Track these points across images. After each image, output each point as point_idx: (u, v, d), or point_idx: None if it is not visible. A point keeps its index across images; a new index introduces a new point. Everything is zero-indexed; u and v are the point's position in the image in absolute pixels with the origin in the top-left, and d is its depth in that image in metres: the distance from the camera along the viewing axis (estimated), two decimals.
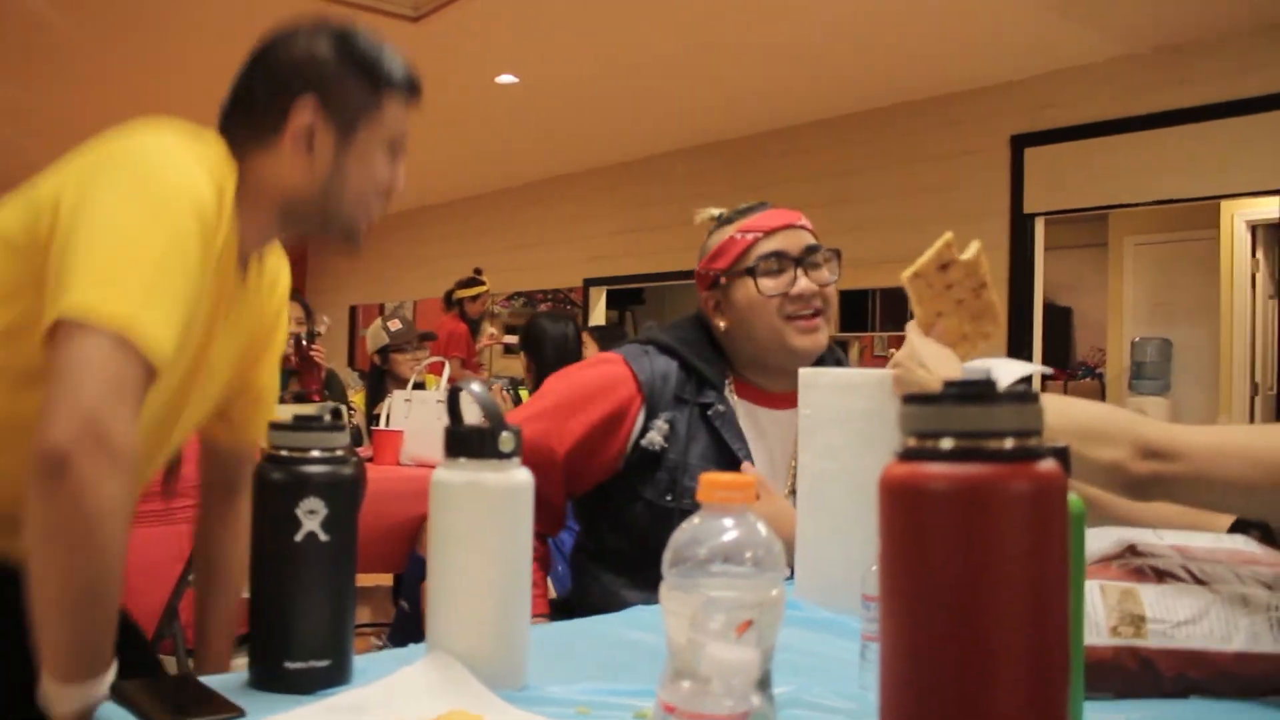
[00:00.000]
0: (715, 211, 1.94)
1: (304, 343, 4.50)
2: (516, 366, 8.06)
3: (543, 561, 1.86)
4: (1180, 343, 7.87)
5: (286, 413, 1.11)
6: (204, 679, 1.00)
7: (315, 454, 1.00)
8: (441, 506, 1.01)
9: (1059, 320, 8.97)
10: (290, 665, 0.99)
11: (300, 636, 0.99)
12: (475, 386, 1.02)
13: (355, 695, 0.95)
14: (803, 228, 1.88)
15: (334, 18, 1.40)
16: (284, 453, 1.00)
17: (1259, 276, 7.49)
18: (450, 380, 4.97)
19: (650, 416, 1.81)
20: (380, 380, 5.06)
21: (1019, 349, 6.25)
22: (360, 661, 1.06)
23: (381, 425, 3.83)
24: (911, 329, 1.42)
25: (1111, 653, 1.01)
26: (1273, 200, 5.74)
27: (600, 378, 1.85)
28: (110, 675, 1.06)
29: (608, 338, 5.02)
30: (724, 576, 0.82)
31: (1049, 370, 1.48)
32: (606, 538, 1.88)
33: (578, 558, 1.95)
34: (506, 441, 1.00)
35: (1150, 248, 8.15)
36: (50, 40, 5.47)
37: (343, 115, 1.35)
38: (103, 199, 1.17)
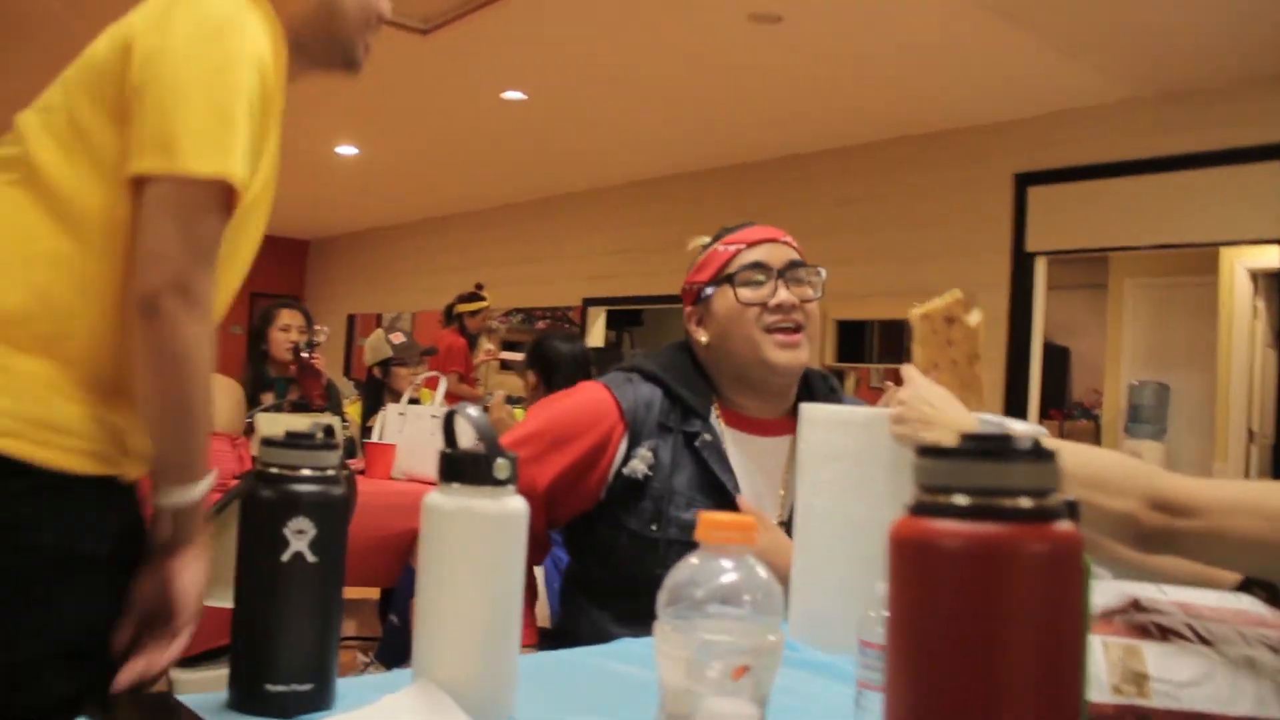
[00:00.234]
0: (706, 240, 1.93)
1: (302, 352, 4.47)
2: (513, 383, 8.04)
3: (529, 590, 1.84)
4: (1177, 387, 7.86)
5: (285, 424, 1.10)
6: (183, 698, 0.98)
7: (306, 473, 0.98)
8: (433, 532, 0.99)
9: (1056, 360, 8.96)
10: (271, 688, 0.96)
11: (283, 658, 0.97)
12: (472, 411, 1.00)
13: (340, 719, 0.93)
14: (787, 244, 1.86)
15: None
16: (274, 470, 0.98)
17: (1258, 324, 7.48)
18: (447, 396, 4.95)
19: (633, 445, 1.77)
20: (378, 393, 5.04)
21: (1016, 388, 6.23)
22: (344, 686, 1.04)
23: (375, 438, 3.80)
24: (912, 370, 1.39)
25: (1113, 711, 0.99)
26: (1274, 249, 5.74)
27: (584, 407, 1.81)
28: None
29: (603, 359, 4.99)
30: (721, 619, 0.80)
31: (1045, 432, 1.46)
32: (593, 569, 1.85)
33: (567, 588, 1.91)
34: (502, 468, 0.98)
35: (1150, 291, 8.15)
36: (54, 30, 5.46)
37: None
38: (181, 53, 1.33)
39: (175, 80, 1.32)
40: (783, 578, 1.32)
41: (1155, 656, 1.02)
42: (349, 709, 0.98)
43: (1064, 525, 0.55)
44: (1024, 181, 6.31)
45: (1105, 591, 1.10)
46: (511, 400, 5.61)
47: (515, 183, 9.36)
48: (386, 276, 11.95)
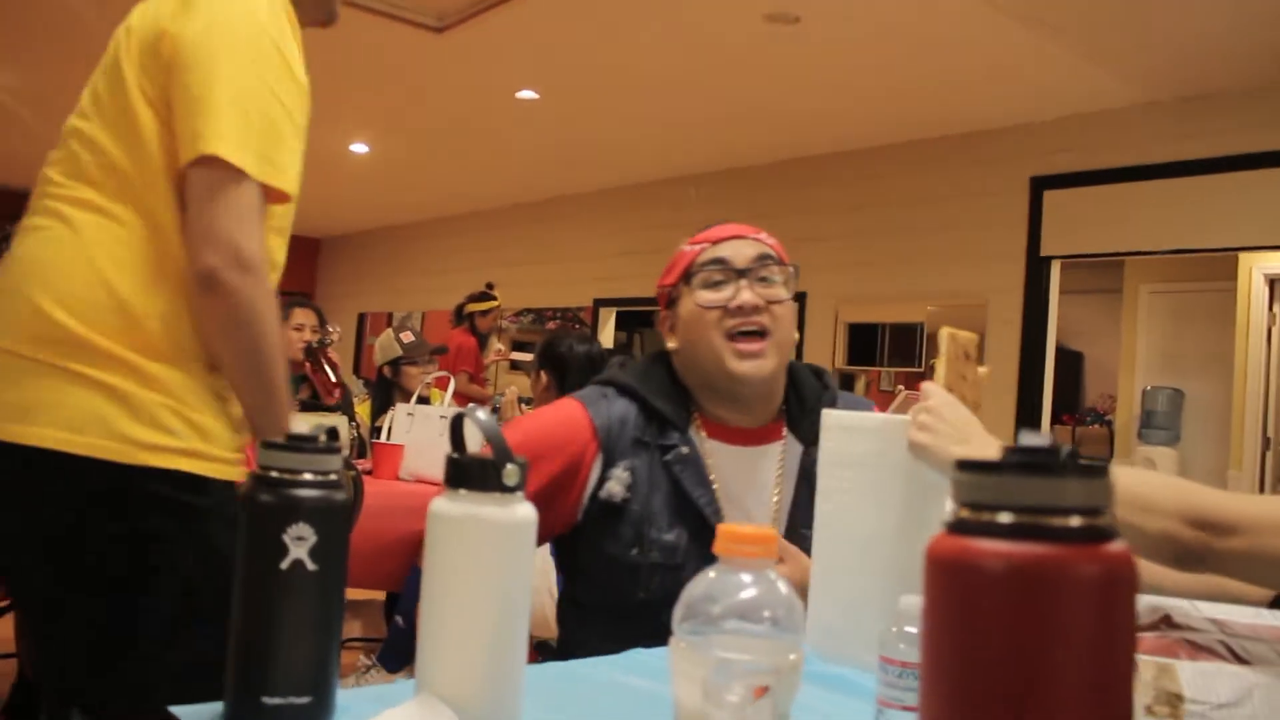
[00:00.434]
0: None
1: (315, 350, 4.43)
2: (524, 383, 8.01)
3: None
4: (1192, 394, 7.80)
5: (295, 423, 1.07)
6: (176, 710, 0.94)
7: (307, 477, 0.94)
8: (439, 539, 0.95)
9: (1070, 365, 8.91)
10: (268, 700, 0.92)
11: (281, 670, 0.93)
12: (481, 414, 0.96)
13: None
14: (758, 240, 1.75)
15: None
16: (274, 474, 0.94)
17: (1275, 330, 7.42)
18: (456, 396, 4.91)
19: (608, 465, 1.69)
20: (388, 392, 5.00)
21: (1029, 392, 6.18)
22: (344, 697, 1.00)
23: (383, 438, 3.77)
24: (937, 387, 1.35)
25: None
26: None
27: (556, 426, 1.73)
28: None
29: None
30: (739, 636, 0.76)
31: None
32: (579, 589, 1.78)
33: (562, 605, 1.85)
34: (511, 475, 0.94)
35: (1165, 297, 8.09)
36: (68, 22, 5.45)
37: None
38: (213, 39, 1.47)
39: (210, 67, 1.46)
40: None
41: (1190, 676, 0.98)
42: None
43: (1116, 546, 0.51)
44: (1040, 185, 6.26)
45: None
46: (524, 400, 5.58)
47: (528, 182, 9.33)
48: (397, 275, 11.93)
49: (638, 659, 1.30)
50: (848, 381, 7.59)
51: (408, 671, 2.77)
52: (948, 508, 1.32)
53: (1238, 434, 7.46)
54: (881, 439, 1.33)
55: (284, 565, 0.92)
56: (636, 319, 10.36)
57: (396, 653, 3.31)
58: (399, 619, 3.39)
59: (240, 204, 1.44)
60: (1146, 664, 0.98)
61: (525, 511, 0.96)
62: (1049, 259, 6.24)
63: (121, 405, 1.44)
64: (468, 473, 0.94)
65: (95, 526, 1.44)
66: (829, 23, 5.02)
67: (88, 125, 1.54)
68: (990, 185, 6.51)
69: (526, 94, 6.59)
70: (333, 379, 4.19)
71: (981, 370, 1.50)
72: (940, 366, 1.42)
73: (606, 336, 9.15)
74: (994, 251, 6.44)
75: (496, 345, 7.68)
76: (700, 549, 1.62)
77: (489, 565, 0.94)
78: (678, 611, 0.78)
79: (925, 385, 1.35)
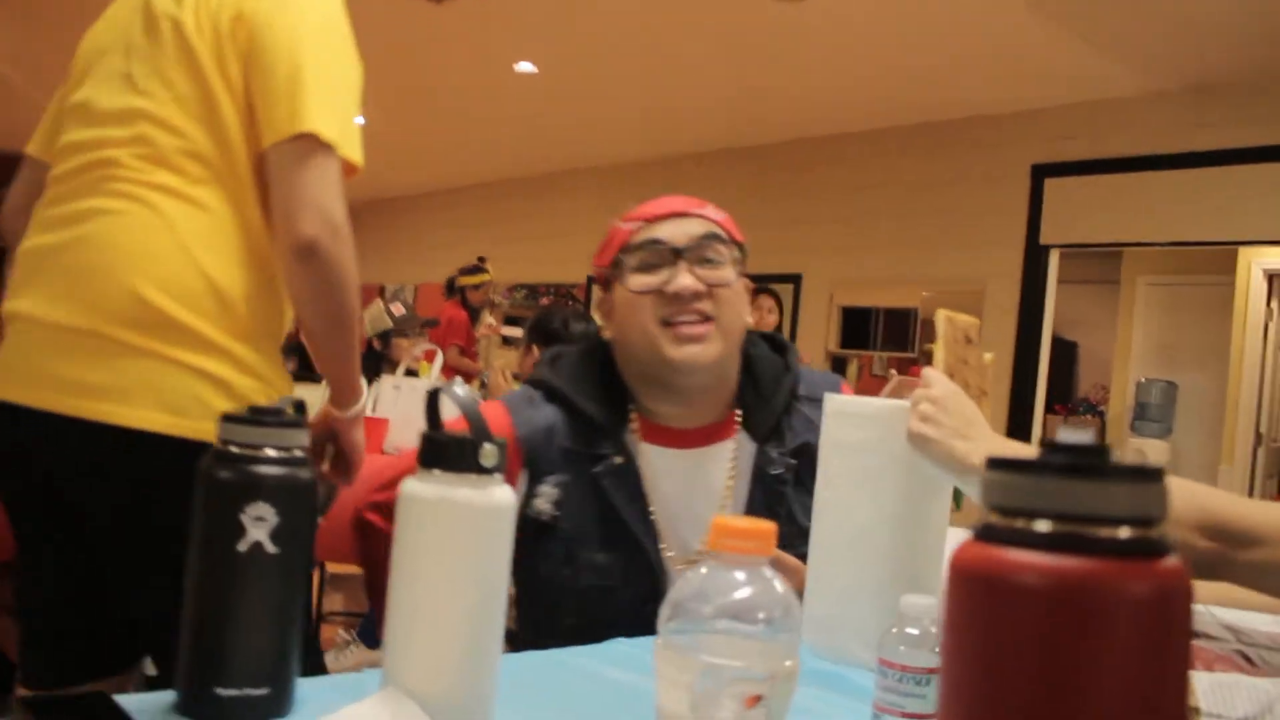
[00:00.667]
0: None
1: None
2: (512, 358, 7.93)
3: None
4: (1186, 387, 7.75)
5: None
6: (123, 700, 0.87)
7: (269, 453, 0.87)
8: (409, 523, 0.88)
9: (1064, 355, 8.86)
10: (222, 691, 0.86)
11: (236, 660, 0.86)
12: (458, 389, 0.89)
13: None
14: (702, 216, 1.55)
15: None
16: (233, 448, 0.87)
17: (1272, 326, 7.38)
18: (446, 369, 4.84)
19: (535, 480, 1.50)
20: (377, 364, 4.94)
21: (1023, 381, 6.13)
22: (305, 688, 0.93)
23: (368, 412, 3.70)
24: (937, 373, 1.27)
25: None
26: None
27: None
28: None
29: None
30: (731, 638, 0.69)
31: None
32: (521, 603, 1.61)
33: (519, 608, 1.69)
34: (489, 455, 0.87)
35: (1163, 289, 8.04)
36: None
37: None
38: (292, 19, 1.56)
39: (294, 48, 1.54)
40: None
41: (1207, 688, 0.92)
42: (310, 714, 0.88)
43: (1171, 562, 0.45)
44: (1041, 172, 6.19)
45: None
46: (516, 376, 5.50)
47: (524, 157, 9.23)
48: (390, 248, 11.83)
49: (619, 650, 1.24)
50: (840, 365, 7.53)
51: None
52: (950, 502, 1.26)
53: (1230, 428, 7.42)
54: (881, 425, 1.26)
55: (242, 547, 0.85)
56: None
57: (378, 629, 3.25)
58: None
59: (330, 176, 1.53)
60: None
61: (503, 495, 0.90)
62: (1048, 247, 6.18)
63: (218, 388, 1.51)
64: (442, 451, 0.87)
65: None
66: (833, 3, 4.93)
67: (159, 108, 1.56)
68: (991, 171, 6.44)
69: (525, 67, 6.50)
70: None
71: (986, 357, 1.43)
72: (939, 351, 1.35)
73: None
74: (992, 238, 6.38)
75: (488, 320, 7.59)
76: (637, 572, 1.47)
77: (463, 552, 0.87)
78: (664, 610, 0.71)
79: (926, 371, 1.27)
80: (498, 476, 0.89)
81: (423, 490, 0.87)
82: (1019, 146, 6.32)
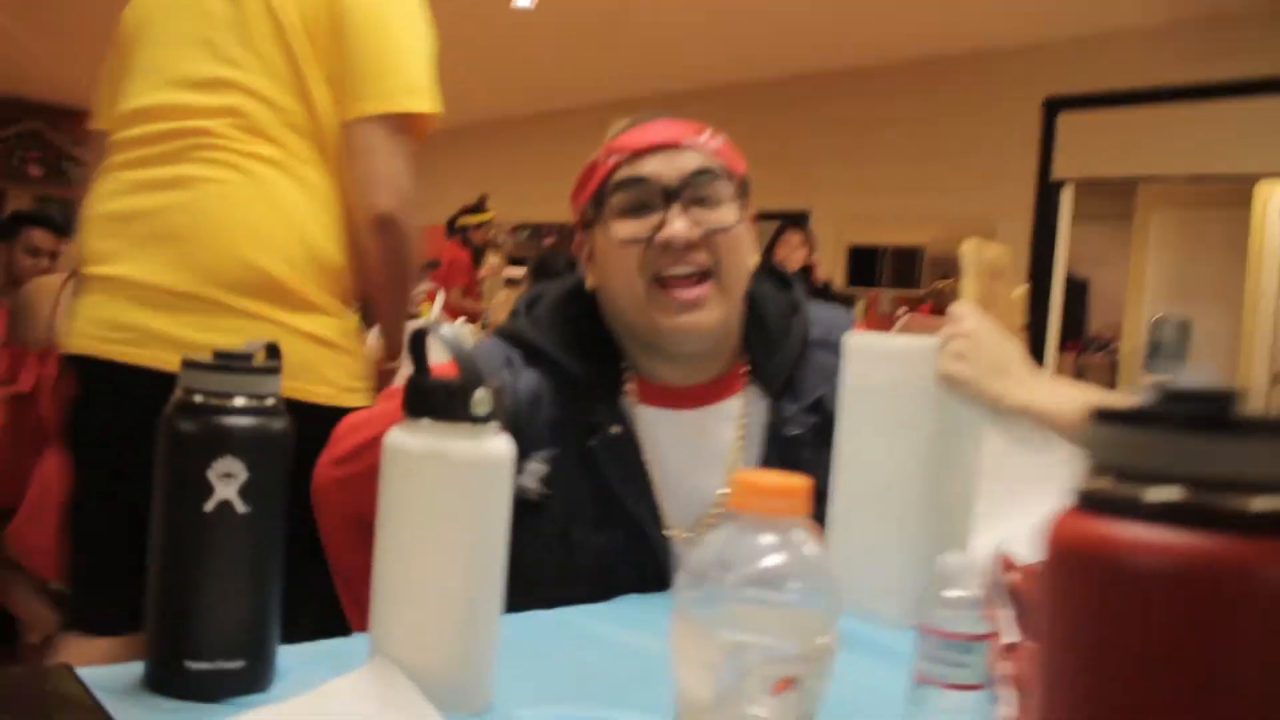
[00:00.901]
0: (626, 122, 1.40)
1: None
2: (514, 299, 7.82)
3: None
4: (1200, 325, 7.63)
5: None
6: (85, 674, 0.79)
7: (238, 402, 0.78)
8: (395, 478, 0.80)
9: (1075, 293, 8.73)
10: (193, 665, 0.77)
11: (206, 631, 0.78)
12: (445, 329, 0.80)
13: (269, 714, 0.75)
14: (695, 147, 1.29)
15: None
16: (197, 398, 0.78)
17: None
18: (447, 310, 4.74)
19: (521, 457, 1.19)
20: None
21: (1035, 320, 6.04)
22: (286, 657, 0.85)
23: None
24: (968, 307, 1.17)
25: None
26: None
27: None
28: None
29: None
30: (759, 609, 0.61)
31: None
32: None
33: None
34: (481, 401, 0.79)
35: (1177, 224, 7.88)
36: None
37: None
38: (391, 3, 1.66)
39: (385, 26, 1.63)
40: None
41: None
42: (290, 688, 0.80)
43: None
44: (1054, 106, 6.05)
45: None
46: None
47: (524, 95, 9.07)
48: None
49: (630, 609, 1.16)
50: (846, 304, 7.42)
51: None
52: (988, 445, 1.17)
53: (1245, 366, 7.31)
54: (908, 365, 1.17)
55: (208, 507, 0.77)
56: None
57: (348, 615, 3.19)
58: None
59: (407, 152, 1.66)
60: None
61: (499, 446, 0.81)
62: (1060, 183, 6.06)
63: (326, 350, 1.62)
64: (430, 398, 0.79)
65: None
66: None
67: (251, 79, 1.62)
68: (1002, 105, 6.30)
69: (522, 3, 6.34)
70: None
71: (1016, 292, 1.33)
72: (968, 284, 1.24)
73: None
74: (1003, 174, 6.26)
75: (491, 260, 7.48)
76: (636, 551, 1.27)
77: (456, 509, 0.79)
78: (681, 579, 0.63)
79: (957, 306, 1.18)
80: (493, 425, 0.80)
81: (409, 442, 0.79)
82: (1031, 80, 6.17)
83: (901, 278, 7.38)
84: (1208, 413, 0.36)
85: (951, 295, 7.68)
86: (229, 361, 0.79)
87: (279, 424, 0.80)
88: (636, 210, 1.26)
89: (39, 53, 7.91)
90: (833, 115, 7.17)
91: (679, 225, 1.23)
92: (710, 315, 1.26)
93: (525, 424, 1.26)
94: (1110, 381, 8.39)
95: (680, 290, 1.24)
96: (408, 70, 1.64)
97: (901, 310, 6.89)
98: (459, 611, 0.79)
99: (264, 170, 1.60)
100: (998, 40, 6.16)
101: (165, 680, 0.78)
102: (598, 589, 1.21)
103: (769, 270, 1.43)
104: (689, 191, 1.26)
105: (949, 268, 7.54)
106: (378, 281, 1.71)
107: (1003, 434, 1.09)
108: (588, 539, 1.26)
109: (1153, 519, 0.36)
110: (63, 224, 3.81)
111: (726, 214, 1.27)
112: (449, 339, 0.80)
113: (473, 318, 5.96)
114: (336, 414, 1.39)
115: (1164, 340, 7.69)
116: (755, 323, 1.37)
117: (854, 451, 1.21)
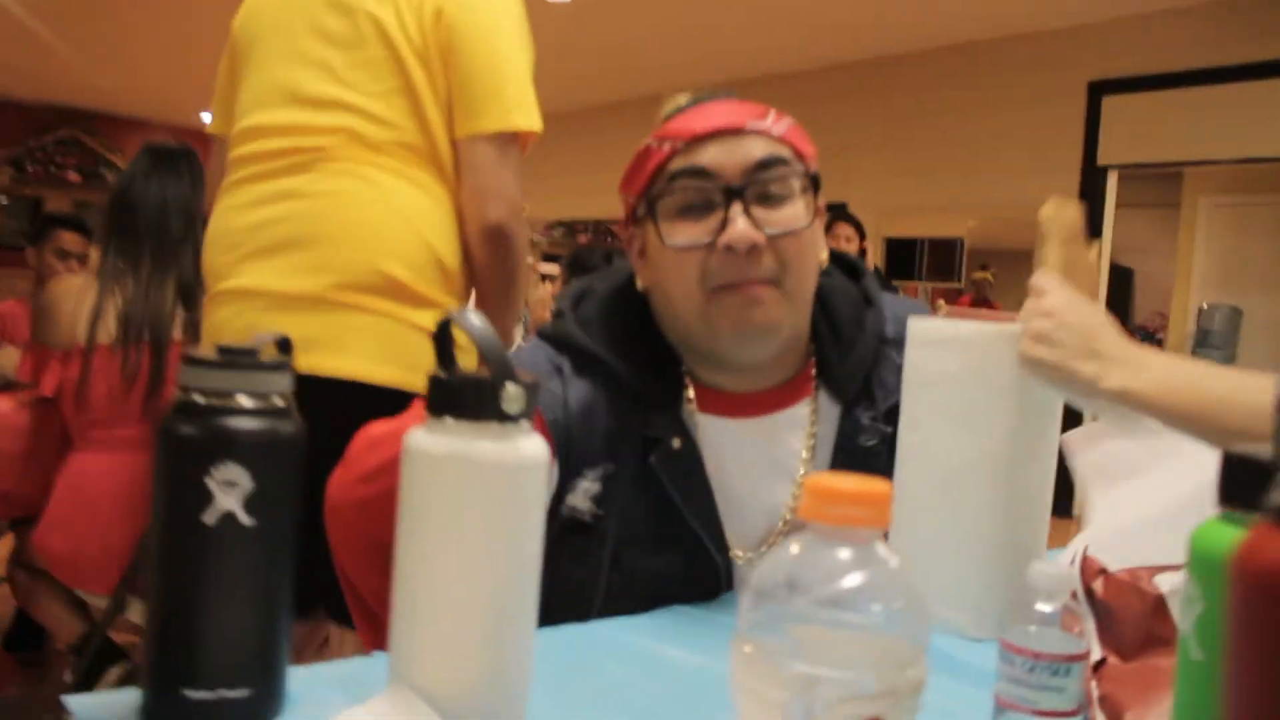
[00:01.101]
0: (684, 99, 1.26)
1: None
2: (549, 296, 7.76)
3: None
4: (1251, 312, 7.45)
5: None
6: (73, 700, 0.72)
7: (243, 402, 0.70)
8: (416, 483, 0.71)
9: (1120, 282, 8.57)
10: (192, 695, 0.69)
11: (208, 656, 0.70)
12: (473, 318, 0.72)
13: None
14: (761, 133, 1.16)
15: None
16: (198, 399, 0.70)
17: None
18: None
19: (572, 474, 1.15)
20: None
21: None
22: (298, 680, 0.77)
23: None
24: (1050, 279, 1.06)
25: None
26: None
27: None
28: None
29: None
30: (834, 636, 0.52)
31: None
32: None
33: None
34: (513, 398, 0.70)
35: (1226, 210, 7.71)
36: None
37: None
38: (494, 18, 1.74)
39: (495, 46, 1.72)
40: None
41: None
42: (301, 718, 0.72)
43: None
44: (1098, 90, 5.91)
45: None
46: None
47: (558, 90, 8.98)
48: None
49: (679, 623, 1.07)
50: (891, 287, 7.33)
51: None
52: (1058, 435, 1.06)
53: None
54: (978, 351, 1.07)
55: (209, 519, 0.68)
56: None
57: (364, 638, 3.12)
58: None
59: (517, 164, 1.76)
60: None
61: (532, 447, 0.72)
62: (1105, 169, 5.92)
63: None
64: (455, 396, 0.70)
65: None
66: None
67: (368, 102, 1.71)
68: (1045, 91, 6.17)
69: None
70: None
71: (1092, 255, 1.20)
72: (1051, 250, 1.12)
73: None
74: (1046, 162, 6.13)
75: (526, 258, 7.42)
76: (696, 577, 1.16)
77: (482, 516, 0.71)
78: (745, 600, 0.54)
79: (1037, 277, 1.05)
80: (524, 424, 0.72)
81: (431, 443, 0.70)
82: (1074, 64, 6.04)
83: (940, 270, 7.26)
84: None
85: (989, 286, 7.50)
86: (233, 357, 0.71)
87: (289, 427, 0.72)
88: (694, 210, 1.14)
89: (76, 62, 7.95)
90: (869, 105, 7.06)
91: (742, 227, 1.10)
92: (769, 312, 1.13)
93: (578, 439, 1.16)
94: None
95: (745, 291, 1.12)
96: (516, 89, 1.74)
97: (940, 302, 6.77)
98: (486, 630, 0.70)
99: (382, 177, 1.70)
100: (1039, 23, 6.02)
101: (162, 711, 0.70)
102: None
103: (836, 258, 1.30)
104: (754, 189, 1.13)
105: (987, 258, 7.42)
106: (486, 289, 1.79)
107: (1101, 422, 0.99)
108: (643, 562, 1.15)
109: None
110: (94, 227, 3.78)
111: (796, 213, 1.15)
112: (476, 328, 0.71)
113: None
114: None
115: (1213, 329, 7.54)
116: (825, 317, 1.25)
117: (917, 448, 1.11)
